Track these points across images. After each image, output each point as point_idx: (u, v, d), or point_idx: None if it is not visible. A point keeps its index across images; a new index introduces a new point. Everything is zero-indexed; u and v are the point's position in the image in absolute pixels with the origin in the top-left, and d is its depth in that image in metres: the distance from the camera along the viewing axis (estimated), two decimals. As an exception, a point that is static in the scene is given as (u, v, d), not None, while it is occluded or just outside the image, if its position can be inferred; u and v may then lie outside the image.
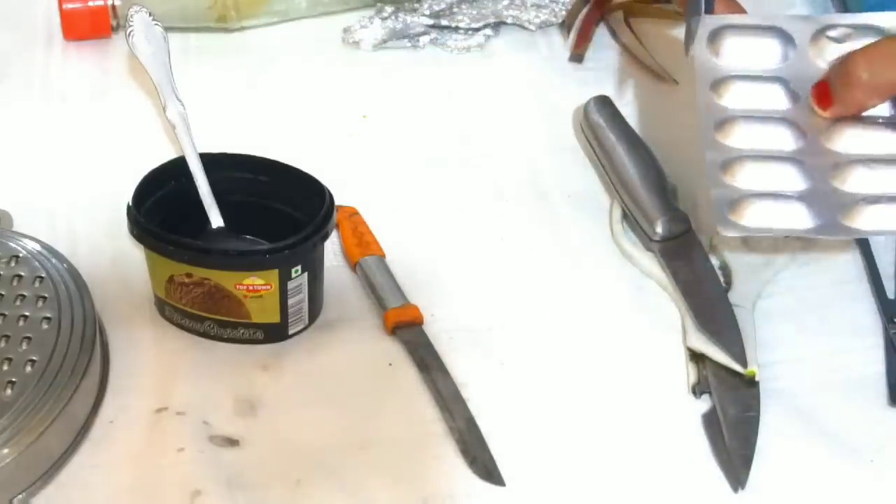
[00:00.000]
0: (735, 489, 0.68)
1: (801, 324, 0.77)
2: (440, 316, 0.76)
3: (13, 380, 0.66)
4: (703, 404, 0.72)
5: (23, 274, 0.72)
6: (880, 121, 0.73)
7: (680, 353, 0.75)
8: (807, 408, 0.72)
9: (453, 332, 0.76)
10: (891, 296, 0.78)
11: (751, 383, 0.72)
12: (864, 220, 0.70)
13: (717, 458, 0.69)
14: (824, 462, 0.70)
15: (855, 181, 0.71)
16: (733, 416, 0.70)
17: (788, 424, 0.71)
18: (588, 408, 0.72)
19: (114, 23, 0.95)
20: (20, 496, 0.66)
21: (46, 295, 0.71)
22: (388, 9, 0.97)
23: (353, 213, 0.82)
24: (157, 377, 0.72)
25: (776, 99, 0.75)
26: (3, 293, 0.71)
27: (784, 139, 0.73)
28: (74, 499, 0.67)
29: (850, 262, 0.81)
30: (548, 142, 0.89)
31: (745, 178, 0.72)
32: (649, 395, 0.73)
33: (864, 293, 0.79)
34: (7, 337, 0.68)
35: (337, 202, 0.74)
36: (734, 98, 0.75)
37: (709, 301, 0.76)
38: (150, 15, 0.80)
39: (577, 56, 0.96)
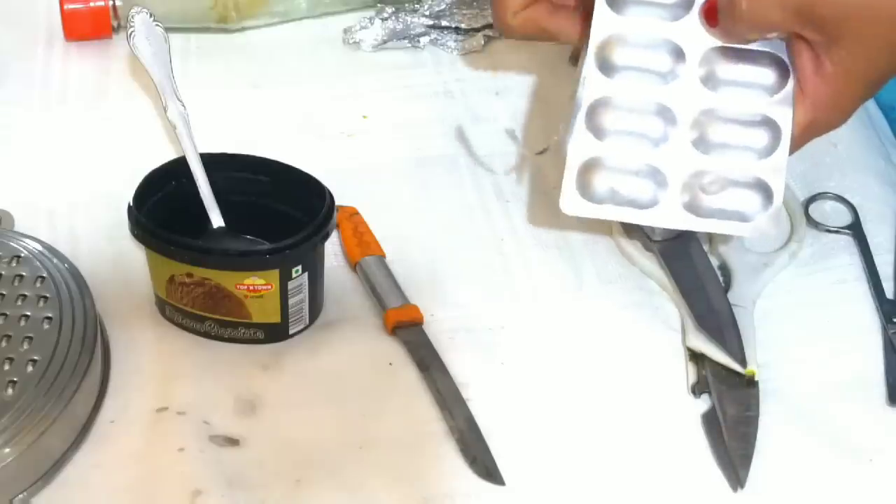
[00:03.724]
0: (734, 488, 0.68)
1: (801, 324, 0.77)
2: (440, 316, 0.76)
3: (14, 379, 0.66)
4: (703, 404, 0.72)
5: (24, 274, 0.72)
6: (758, 52, 0.71)
7: (680, 353, 0.75)
8: (806, 407, 0.72)
9: (453, 332, 0.76)
10: (890, 296, 0.78)
11: (750, 383, 0.72)
12: (708, 210, 0.70)
13: (716, 457, 0.69)
14: (824, 461, 0.70)
15: (715, 137, 0.71)
16: (733, 416, 0.71)
17: (788, 424, 0.71)
18: (588, 407, 0.72)
19: (115, 23, 0.95)
20: (21, 496, 0.66)
21: (48, 295, 0.71)
22: (389, 9, 0.97)
23: (354, 213, 0.82)
24: (158, 377, 0.72)
25: (670, 8, 0.72)
26: (4, 293, 0.71)
27: (663, 64, 0.72)
28: (75, 498, 0.67)
29: (850, 262, 0.81)
30: (548, 142, 0.89)
31: (609, 124, 0.71)
32: (649, 394, 0.73)
33: (863, 293, 0.79)
34: (8, 337, 0.68)
35: (337, 202, 0.74)
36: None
37: (708, 301, 0.76)
38: (150, 15, 0.80)
39: (577, 57, 0.96)
